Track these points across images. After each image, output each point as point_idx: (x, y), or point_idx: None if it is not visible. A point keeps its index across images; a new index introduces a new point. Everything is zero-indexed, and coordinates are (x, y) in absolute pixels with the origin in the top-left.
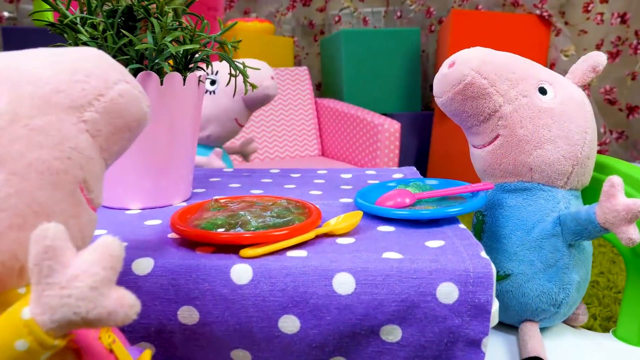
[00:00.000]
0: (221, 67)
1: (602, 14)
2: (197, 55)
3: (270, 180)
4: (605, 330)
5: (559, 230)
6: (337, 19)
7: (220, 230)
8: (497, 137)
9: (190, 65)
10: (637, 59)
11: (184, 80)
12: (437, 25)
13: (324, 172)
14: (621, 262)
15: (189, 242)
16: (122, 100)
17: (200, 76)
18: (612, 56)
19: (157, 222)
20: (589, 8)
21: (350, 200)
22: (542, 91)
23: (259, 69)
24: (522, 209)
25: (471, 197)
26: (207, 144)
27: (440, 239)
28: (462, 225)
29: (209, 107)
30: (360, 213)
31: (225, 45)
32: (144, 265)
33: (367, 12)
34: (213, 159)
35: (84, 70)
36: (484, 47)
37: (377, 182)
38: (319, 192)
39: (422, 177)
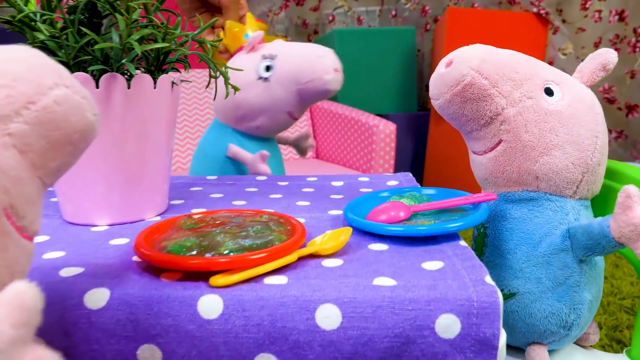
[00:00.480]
0: (281, 51)
1: (600, 11)
2: (171, 56)
3: (255, 190)
4: (612, 339)
5: (569, 244)
6: (330, 18)
7: (190, 254)
8: (499, 142)
9: (165, 67)
10: (636, 57)
11: (155, 82)
12: (433, 24)
13: (314, 179)
14: (624, 266)
15: (154, 267)
16: (59, 109)
17: (175, 78)
18: None
19: (124, 241)
20: (587, 5)
21: (340, 212)
22: (549, 92)
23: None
24: (528, 221)
25: (472, 209)
26: (256, 134)
27: (438, 259)
28: (462, 243)
29: (261, 96)
30: (349, 230)
31: (205, 45)
32: (98, 297)
33: (362, 11)
34: (257, 162)
35: (11, 73)
36: (484, 44)
37: (370, 190)
38: (307, 203)
39: (418, 183)
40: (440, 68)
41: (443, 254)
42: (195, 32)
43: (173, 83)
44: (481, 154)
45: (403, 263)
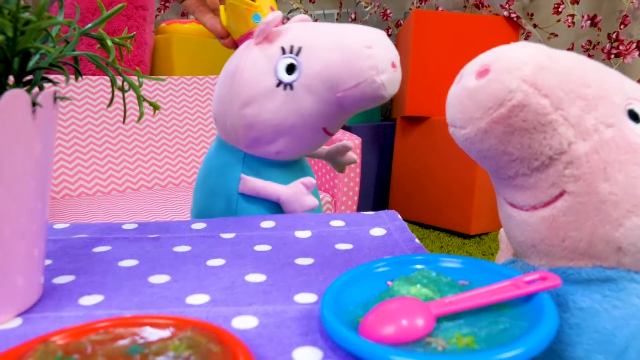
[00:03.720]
0: (308, 40)
1: (573, 15)
2: (41, 60)
3: (187, 249)
4: None
5: None
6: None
7: None
8: (561, 194)
9: (27, 78)
10: (611, 64)
11: None
12: (395, 28)
13: (271, 225)
14: None
15: None
16: None
17: (36, 95)
18: None
19: None
20: (560, 9)
21: (312, 298)
22: (634, 116)
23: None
24: (604, 313)
25: (524, 303)
26: (277, 159)
27: None
28: None
29: (282, 110)
30: None
31: (105, 42)
32: None
33: (319, 14)
34: (301, 195)
35: None
36: (531, 43)
37: (349, 247)
38: (262, 278)
39: (411, 233)
40: (468, 79)
41: None
42: (93, 22)
43: (34, 103)
44: (527, 210)
45: None
